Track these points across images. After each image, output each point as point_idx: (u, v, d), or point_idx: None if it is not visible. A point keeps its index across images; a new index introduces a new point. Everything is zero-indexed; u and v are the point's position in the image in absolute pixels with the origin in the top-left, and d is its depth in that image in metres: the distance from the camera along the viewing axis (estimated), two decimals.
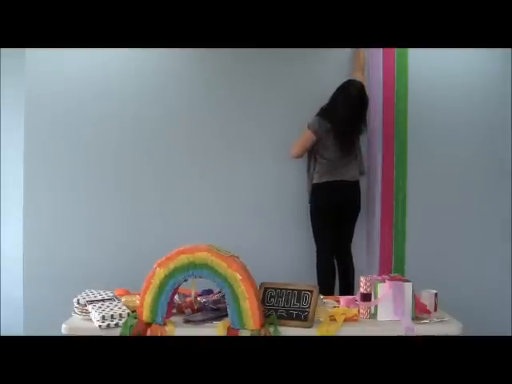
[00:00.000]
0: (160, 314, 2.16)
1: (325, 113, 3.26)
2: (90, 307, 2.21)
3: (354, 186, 3.31)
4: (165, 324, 2.16)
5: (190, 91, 3.45)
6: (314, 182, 3.30)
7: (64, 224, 3.38)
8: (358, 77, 3.34)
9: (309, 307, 2.20)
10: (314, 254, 3.35)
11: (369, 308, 2.30)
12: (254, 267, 2.24)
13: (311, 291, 2.24)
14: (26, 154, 3.35)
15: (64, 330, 2.16)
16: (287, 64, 3.47)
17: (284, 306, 2.24)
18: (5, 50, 3.40)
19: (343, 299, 2.45)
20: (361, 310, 2.32)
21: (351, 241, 3.39)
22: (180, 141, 3.46)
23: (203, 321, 2.23)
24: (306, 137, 3.26)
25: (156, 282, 2.16)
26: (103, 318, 2.12)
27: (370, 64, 3.50)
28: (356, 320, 2.26)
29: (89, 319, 2.20)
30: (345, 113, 3.20)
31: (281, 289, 2.28)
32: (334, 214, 3.27)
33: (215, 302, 2.36)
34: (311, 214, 3.34)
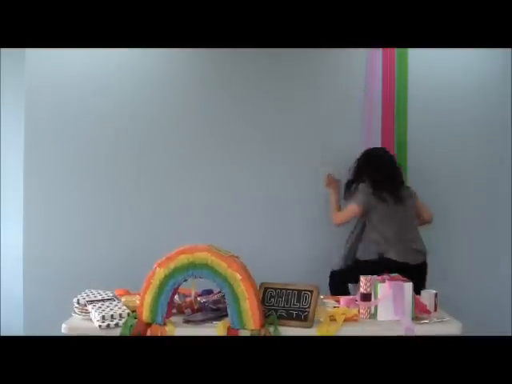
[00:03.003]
0: (160, 314, 2.16)
1: (359, 179, 3.17)
2: (89, 307, 2.21)
3: (419, 269, 3.06)
4: (165, 324, 2.16)
5: (191, 90, 3.45)
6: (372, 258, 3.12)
7: (64, 224, 3.38)
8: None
9: (309, 307, 2.20)
10: (314, 254, 3.36)
11: (369, 308, 2.30)
12: (254, 267, 2.24)
13: (311, 291, 2.24)
14: (26, 154, 3.35)
15: (64, 329, 2.16)
16: (288, 64, 3.47)
17: (284, 306, 2.23)
18: (5, 50, 3.40)
19: (343, 299, 2.45)
20: (361, 310, 2.32)
21: None
22: (179, 140, 3.46)
23: (203, 321, 2.22)
24: (350, 209, 3.14)
25: (156, 282, 2.16)
26: (103, 317, 2.12)
27: (370, 64, 3.51)
28: (356, 320, 2.26)
29: (89, 319, 2.20)
30: (379, 167, 3.15)
31: (281, 289, 2.28)
32: None
33: (215, 302, 2.36)
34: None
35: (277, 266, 3.27)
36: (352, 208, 3.14)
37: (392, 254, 3.06)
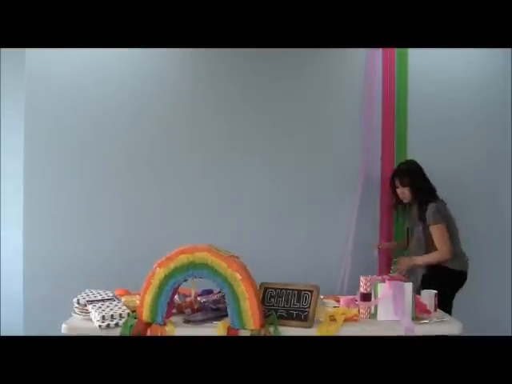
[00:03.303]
0: (160, 314, 2.16)
1: (427, 197, 3.13)
2: (89, 307, 2.21)
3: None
4: (165, 324, 2.16)
5: (192, 89, 3.45)
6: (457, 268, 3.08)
7: (64, 224, 3.38)
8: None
9: (309, 307, 2.20)
10: (314, 254, 3.35)
11: (369, 308, 2.30)
12: (254, 267, 2.24)
13: (311, 291, 2.24)
14: (26, 152, 3.35)
15: (64, 329, 2.16)
16: (288, 64, 3.47)
17: (284, 306, 2.24)
18: (5, 50, 3.40)
19: (343, 299, 2.45)
20: (361, 310, 2.32)
21: None
22: (180, 140, 3.45)
23: (203, 321, 2.22)
24: (441, 233, 3.03)
25: (156, 282, 2.16)
26: (103, 317, 2.12)
27: (370, 64, 3.51)
28: (356, 320, 2.26)
29: (89, 319, 2.20)
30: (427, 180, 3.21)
31: (281, 289, 2.28)
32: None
33: (215, 301, 2.36)
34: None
35: (277, 266, 3.27)
36: (441, 230, 3.02)
37: (457, 265, 3.07)
